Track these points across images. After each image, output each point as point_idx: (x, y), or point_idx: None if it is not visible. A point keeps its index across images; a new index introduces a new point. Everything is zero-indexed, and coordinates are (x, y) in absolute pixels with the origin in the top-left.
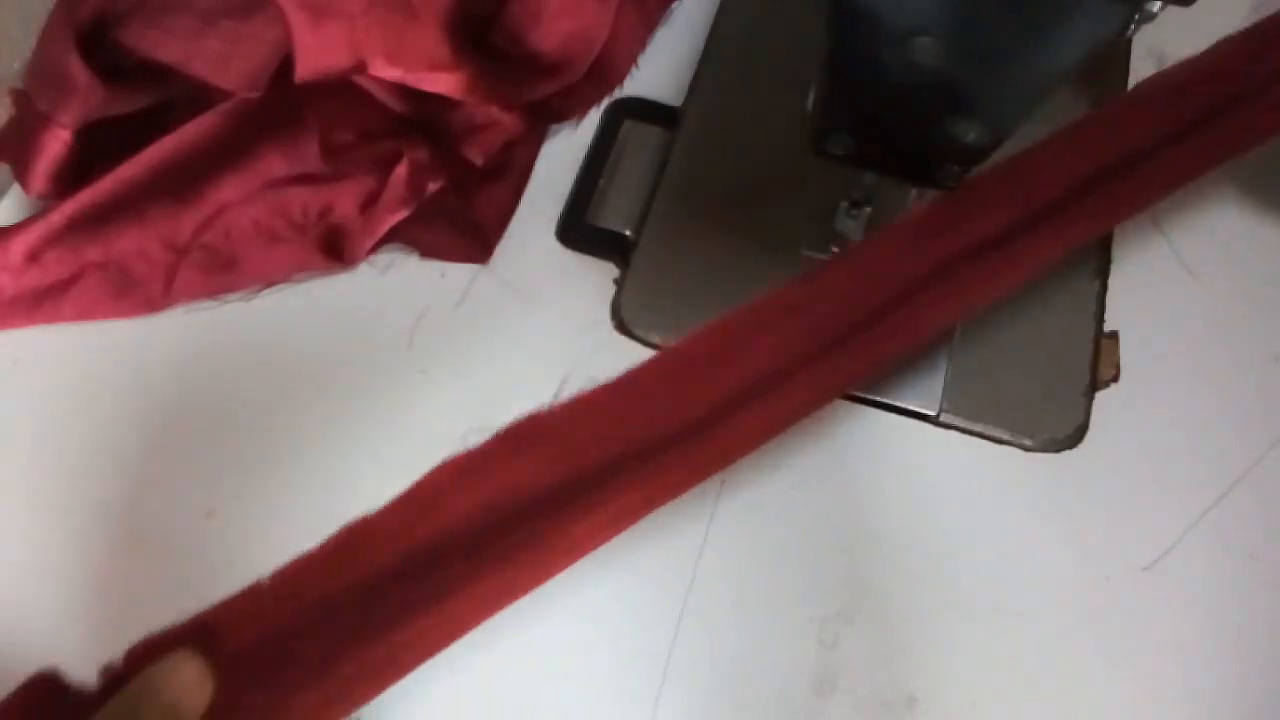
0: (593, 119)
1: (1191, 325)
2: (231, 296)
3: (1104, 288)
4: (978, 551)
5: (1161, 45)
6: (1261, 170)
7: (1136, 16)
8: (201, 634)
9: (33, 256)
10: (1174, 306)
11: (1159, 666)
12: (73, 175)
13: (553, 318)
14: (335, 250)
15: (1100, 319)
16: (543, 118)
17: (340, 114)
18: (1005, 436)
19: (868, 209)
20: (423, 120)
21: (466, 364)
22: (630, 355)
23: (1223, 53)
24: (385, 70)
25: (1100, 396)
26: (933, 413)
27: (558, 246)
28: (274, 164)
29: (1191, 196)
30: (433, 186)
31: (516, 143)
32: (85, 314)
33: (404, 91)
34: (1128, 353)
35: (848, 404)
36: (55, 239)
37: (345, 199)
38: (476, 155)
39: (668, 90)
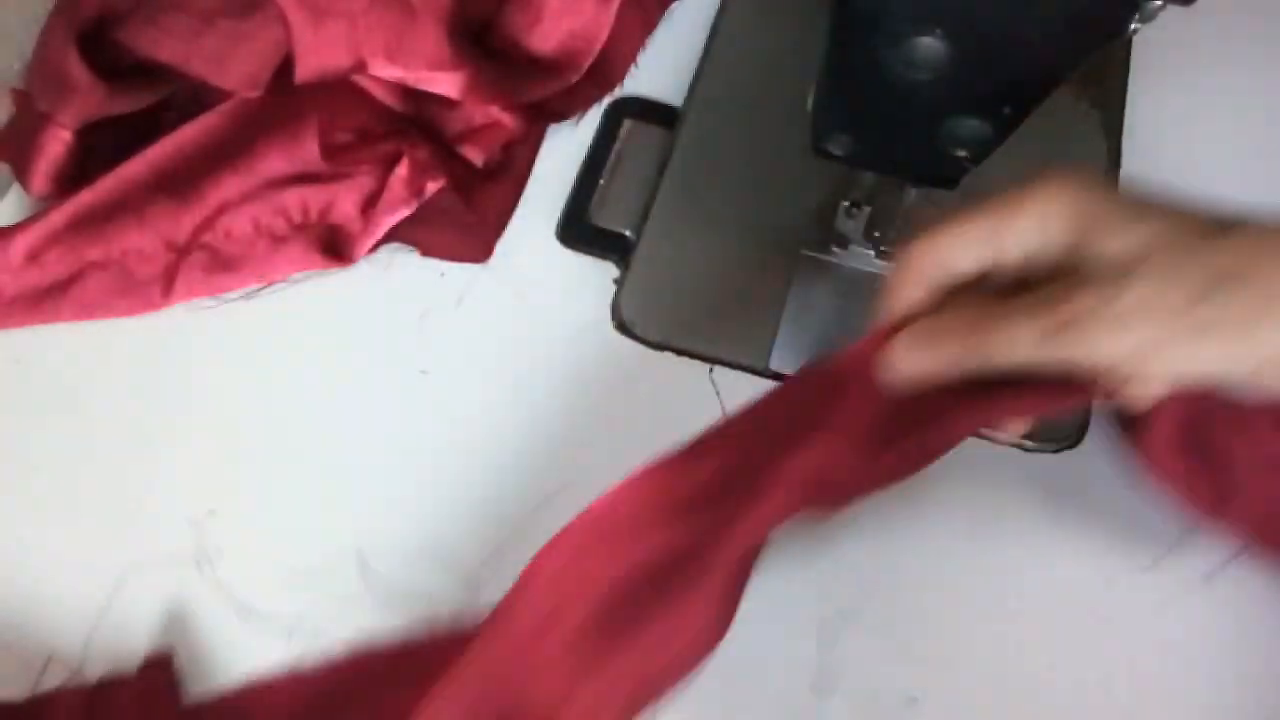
0: (593, 119)
1: None
2: (231, 296)
3: None
4: (977, 551)
5: (1162, 45)
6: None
7: (1136, 16)
8: None
9: (33, 256)
10: None
11: (1160, 667)
12: (73, 175)
13: (553, 318)
14: (335, 250)
15: None
16: (543, 118)
17: (340, 114)
18: (1005, 437)
19: (868, 209)
20: (423, 120)
21: (467, 364)
22: (630, 355)
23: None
24: (385, 70)
25: None
26: None
27: (558, 246)
28: (274, 164)
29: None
30: (433, 186)
31: (516, 143)
32: (85, 314)
33: (404, 91)
34: None
35: None
36: (55, 239)
37: (345, 199)
38: (476, 155)
39: (668, 90)
